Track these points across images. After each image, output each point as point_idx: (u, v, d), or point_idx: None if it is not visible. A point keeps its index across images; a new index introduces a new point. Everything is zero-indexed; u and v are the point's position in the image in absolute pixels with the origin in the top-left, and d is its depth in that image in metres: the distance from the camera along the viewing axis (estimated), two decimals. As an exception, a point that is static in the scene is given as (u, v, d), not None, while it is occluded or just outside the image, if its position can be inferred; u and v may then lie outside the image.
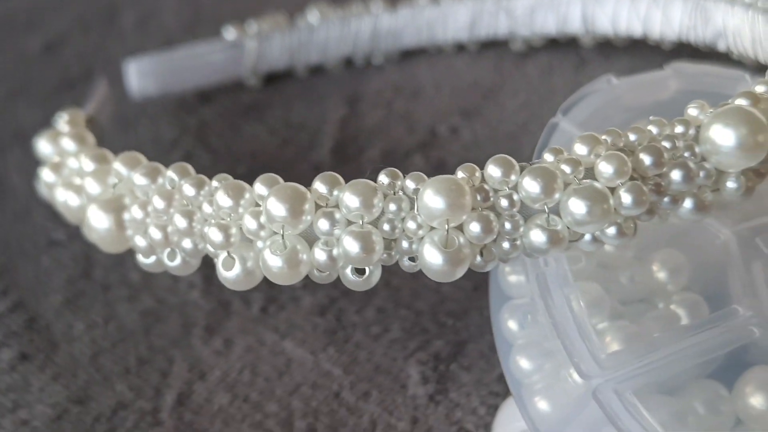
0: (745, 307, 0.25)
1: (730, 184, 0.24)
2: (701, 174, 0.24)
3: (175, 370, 0.33)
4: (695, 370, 0.25)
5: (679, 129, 0.24)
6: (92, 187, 0.27)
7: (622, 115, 0.29)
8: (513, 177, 0.23)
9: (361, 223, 0.23)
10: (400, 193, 0.23)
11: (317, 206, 0.23)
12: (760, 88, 0.25)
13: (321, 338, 0.34)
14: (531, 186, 0.23)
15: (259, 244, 0.24)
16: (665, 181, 0.23)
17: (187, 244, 0.25)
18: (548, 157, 0.23)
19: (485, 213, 0.23)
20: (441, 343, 0.33)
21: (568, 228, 0.23)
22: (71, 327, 0.34)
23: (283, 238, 0.23)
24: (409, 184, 0.23)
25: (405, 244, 0.23)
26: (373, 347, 0.33)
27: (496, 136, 0.41)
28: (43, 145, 0.31)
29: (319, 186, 0.24)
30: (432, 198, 0.22)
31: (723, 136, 0.23)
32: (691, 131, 0.24)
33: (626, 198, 0.23)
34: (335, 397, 0.32)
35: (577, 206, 0.22)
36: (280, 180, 0.24)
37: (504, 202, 0.23)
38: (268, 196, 0.23)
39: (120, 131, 0.43)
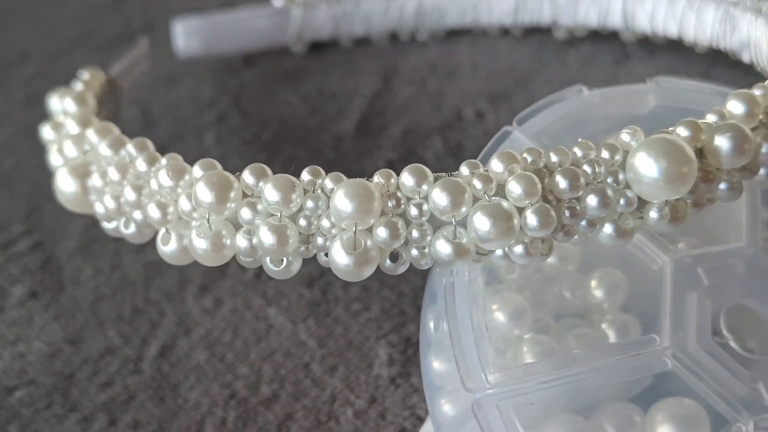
0: (664, 337, 0.25)
1: (653, 214, 0.24)
2: (621, 201, 0.23)
3: (164, 323, 0.35)
4: (616, 391, 0.25)
5: (605, 154, 0.24)
6: (70, 150, 0.28)
7: (593, 127, 0.28)
8: (425, 187, 0.23)
9: (279, 216, 0.24)
10: (319, 191, 0.24)
11: (244, 195, 0.25)
12: (711, 117, 0.25)
13: (303, 309, 0.35)
14: (439, 198, 0.23)
15: (193, 224, 0.25)
16: (581, 205, 0.23)
17: (137, 215, 0.26)
18: (464, 169, 0.24)
19: (394, 219, 0.23)
20: (415, 327, 0.34)
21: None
22: (80, 271, 0.37)
23: (208, 222, 0.24)
24: (328, 183, 0.24)
25: (320, 240, 0.24)
26: (350, 324, 0.34)
27: (519, 125, 0.41)
28: (54, 102, 0.33)
29: (247, 176, 0.25)
30: (342, 200, 0.23)
31: (646, 166, 0.23)
32: (618, 157, 0.24)
33: (532, 219, 0.23)
34: (304, 368, 0.33)
35: (481, 222, 0.23)
36: (218, 165, 0.26)
37: (414, 211, 0.24)
38: (198, 181, 0.24)
39: (164, 88, 0.45)
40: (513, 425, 0.23)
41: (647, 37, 0.42)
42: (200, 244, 0.25)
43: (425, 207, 0.23)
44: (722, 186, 0.25)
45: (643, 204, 0.24)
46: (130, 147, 0.27)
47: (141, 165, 0.26)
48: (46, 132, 0.31)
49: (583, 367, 0.24)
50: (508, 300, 0.26)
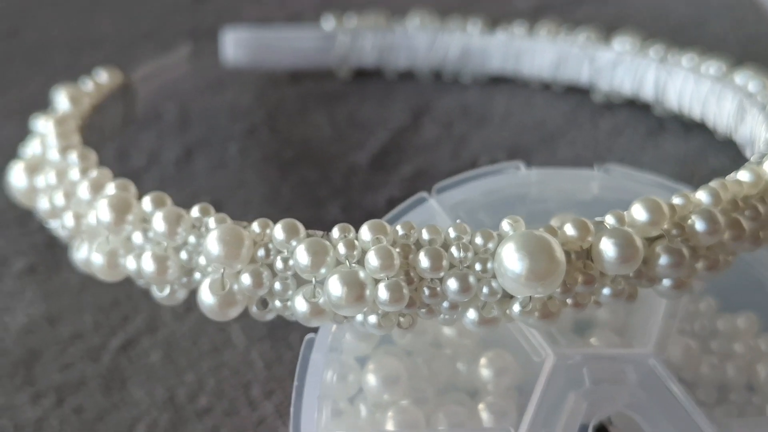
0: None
1: (516, 308, 0.23)
2: (485, 290, 0.23)
3: (135, 320, 0.36)
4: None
5: (478, 240, 0.23)
6: (31, 147, 0.31)
7: (520, 207, 0.28)
8: (294, 242, 0.24)
9: (164, 245, 0.25)
10: (203, 229, 0.25)
11: (144, 220, 0.26)
12: (609, 219, 0.24)
13: (263, 330, 0.36)
14: (302, 256, 0.23)
15: (99, 239, 0.26)
16: (442, 287, 0.23)
17: (66, 219, 0.28)
18: (336, 232, 0.24)
19: (260, 269, 0.24)
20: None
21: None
22: (78, 255, 0.39)
23: (108, 239, 0.26)
24: (210, 223, 0.25)
25: (197, 275, 0.25)
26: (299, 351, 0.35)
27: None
28: (63, 94, 0.35)
29: (145, 203, 0.26)
30: (212, 242, 0.24)
31: (510, 260, 0.23)
32: (491, 245, 0.23)
33: (382, 293, 0.23)
34: (243, 388, 0.34)
35: (335, 287, 0.23)
36: (132, 188, 0.27)
37: (280, 264, 0.24)
38: (100, 199, 0.26)
39: (210, 92, 0.47)
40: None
41: (675, 114, 0.40)
42: (97, 259, 0.26)
43: (290, 262, 0.24)
44: (605, 291, 0.24)
45: (510, 295, 0.24)
46: (74, 156, 0.28)
47: (74, 173, 0.28)
48: (35, 122, 0.33)
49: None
50: (384, 364, 0.26)
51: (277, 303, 0.25)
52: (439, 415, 0.26)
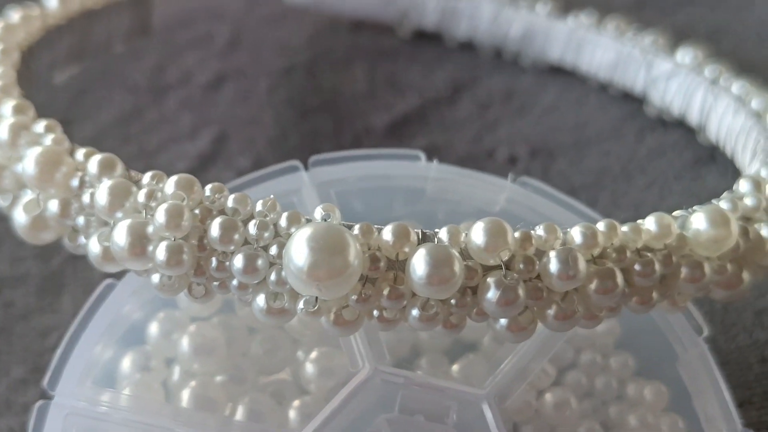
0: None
1: (299, 305, 0.21)
2: (272, 276, 0.21)
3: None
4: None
5: (283, 222, 0.21)
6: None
7: (399, 199, 0.25)
8: (105, 180, 0.22)
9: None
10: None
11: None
12: (444, 233, 0.21)
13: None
14: (101, 195, 0.21)
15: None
16: (230, 262, 0.21)
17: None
18: (146, 179, 0.22)
19: (71, 199, 0.23)
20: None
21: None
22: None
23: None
24: (47, 141, 0.23)
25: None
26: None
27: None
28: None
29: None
30: (30, 162, 0.22)
31: (298, 251, 0.20)
32: (294, 230, 0.21)
33: (160, 253, 0.21)
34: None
35: (119, 236, 0.21)
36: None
37: (87, 199, 0.22)
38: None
39: (267, 25, 0.45)
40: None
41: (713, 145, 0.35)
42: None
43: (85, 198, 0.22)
44: (414, 312, 0.21)
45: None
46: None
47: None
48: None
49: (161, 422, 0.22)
50: (202, 332, 0.24)
51: (82, 239, 0.23)
52: (245, 400, 0.24)
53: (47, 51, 0.32)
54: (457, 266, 0.20)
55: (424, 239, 0.21)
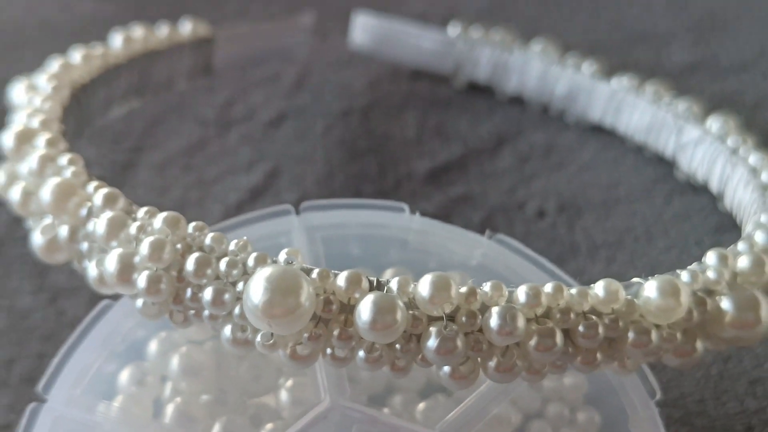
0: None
1: (257, 338, 0.23)
2: (236, 309, 0.23)
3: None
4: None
5: (250, 261, 0.23)
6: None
7: (381, 249, 0.27)
8: (107, 212, 0.25)
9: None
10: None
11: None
12: (394, 284, 0.23)
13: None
14: (101, 225, 0.24)
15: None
16: (201, 294, 0.23)
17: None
18: (141, 213, 0.25)
19: (79, 226, 0.26)
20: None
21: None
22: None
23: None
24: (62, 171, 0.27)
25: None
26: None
27: (563, 242, 0.38)
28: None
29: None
30: (47, 191, 0.26)
31: (255, 289, 0.22)
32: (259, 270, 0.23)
33: (141, 281, 0.23)
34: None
35: (111, 263, 0.24)
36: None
37: (91, 227, 0.25)
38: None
39: (333, 67, 0.48)
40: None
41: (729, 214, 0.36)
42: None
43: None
44: (360, 354, 0.23)
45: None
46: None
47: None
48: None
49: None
50: (192, 354, 0.27)
51: (86, 263, 0.26)
52: (222, 419, 0.26)
53: (104, 88, 0.35)
54: (400, 315, 0.22)
55: (378, 287, 0.23)
